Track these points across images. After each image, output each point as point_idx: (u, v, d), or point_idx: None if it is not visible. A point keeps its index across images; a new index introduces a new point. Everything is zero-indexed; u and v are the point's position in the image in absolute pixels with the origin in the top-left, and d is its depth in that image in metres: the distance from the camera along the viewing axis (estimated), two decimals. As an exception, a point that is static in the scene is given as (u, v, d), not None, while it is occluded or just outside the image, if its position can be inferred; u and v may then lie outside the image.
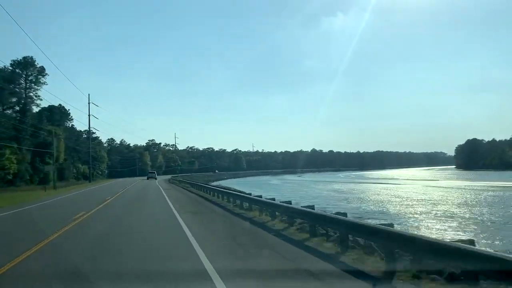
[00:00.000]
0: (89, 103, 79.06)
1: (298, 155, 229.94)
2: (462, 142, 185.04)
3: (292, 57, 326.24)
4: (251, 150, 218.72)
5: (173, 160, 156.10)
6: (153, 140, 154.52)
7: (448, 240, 8.79)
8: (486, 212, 28.95)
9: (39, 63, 67.80)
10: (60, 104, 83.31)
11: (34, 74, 67.65)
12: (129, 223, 15.66)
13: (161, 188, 42.23)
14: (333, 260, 8.74)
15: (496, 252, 7.96)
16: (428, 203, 35.66)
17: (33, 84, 67.68)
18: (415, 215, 27.48)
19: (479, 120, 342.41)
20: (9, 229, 15.42)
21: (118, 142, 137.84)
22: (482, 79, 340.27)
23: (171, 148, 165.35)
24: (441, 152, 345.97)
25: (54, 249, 10.32)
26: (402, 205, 34.90)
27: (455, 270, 6.79)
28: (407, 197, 42.62)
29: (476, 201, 37.63)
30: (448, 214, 27.58)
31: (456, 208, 31.70)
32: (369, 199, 42.25)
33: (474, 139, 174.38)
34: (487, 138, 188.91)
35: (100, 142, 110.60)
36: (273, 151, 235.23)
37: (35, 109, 72.23)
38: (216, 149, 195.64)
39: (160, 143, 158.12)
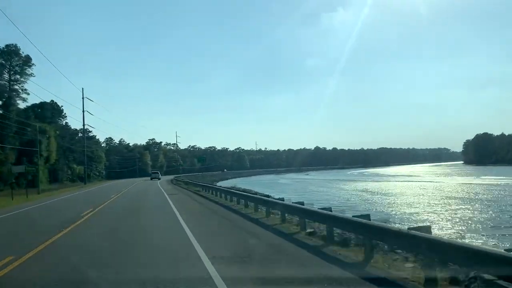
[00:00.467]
0: (83, 98, 71.70)
1: (301, 153, 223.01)
2: (465, 137, 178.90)
3: (293, 55, 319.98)
4: (253, 148, 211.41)
5: (175, 159, 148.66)
6: (153, 139, 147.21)
7: None
8: None
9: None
10: (52, 100, 75.93)
11: (19, 64, 59.91)
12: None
13: (165, 193, 32.56)
14: None
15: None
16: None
17: (18, 76, 60.00)
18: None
19: (483, 116, 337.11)
20: None
21: (117, 142, 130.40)
22: (484, 74, 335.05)
23: (172, 148, 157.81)
24: (444, 148, 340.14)
25: None
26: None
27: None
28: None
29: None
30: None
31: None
32: (430, 202, 33.86)
33: (485, 134, 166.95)
34: (492, 133, 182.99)
35: (97, 141, 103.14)
36: (275, 149, 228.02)
37: (22, 105, 64.80)
38: (218, 148, 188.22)
39: (161, 142, 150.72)
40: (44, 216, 20.35)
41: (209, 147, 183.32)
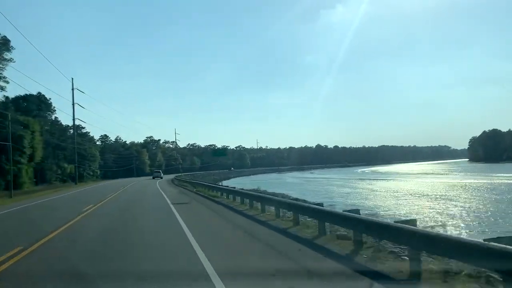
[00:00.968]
0: (72, 89, 63.70)
1: (303, 151, 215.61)
2: (466, 135, 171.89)
3: (292, 52, 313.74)
4: (254, 146, 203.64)
5: (174, 158, 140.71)
6: (151, 137, 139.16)
7: None
8: None
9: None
10: (39, 92, 67.90)
11: (-6, 47, 51.84)
12: None
13: (167, 201, 22.96)
14: None
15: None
16: None
17: (-7, 60, 51.90)
18: None
19: (483, 113, 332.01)
20: None
21: (113, 140, 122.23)
22: (484, 72, 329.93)
23: (171, 146, 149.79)
24: (445, 145, 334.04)
25: None
26: None
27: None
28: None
29: None
30: None
31: None
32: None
33: (495, 130, 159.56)
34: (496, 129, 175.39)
35: (91, 138, 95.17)
36: (276, 147, 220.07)
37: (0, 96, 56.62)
38: (218, 146, 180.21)
39: (159, 140, 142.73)
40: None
41: (209, 145, 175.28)
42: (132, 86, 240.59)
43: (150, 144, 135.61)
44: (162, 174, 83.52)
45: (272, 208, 15.20)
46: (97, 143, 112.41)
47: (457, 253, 5.76)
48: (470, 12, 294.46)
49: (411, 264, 6.70)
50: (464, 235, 15.14)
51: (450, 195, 35.89)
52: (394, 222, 8.09)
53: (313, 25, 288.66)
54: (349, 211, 10.30)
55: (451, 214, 22.98)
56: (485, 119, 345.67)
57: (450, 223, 19.10)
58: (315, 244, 9.38)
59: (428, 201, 31.00)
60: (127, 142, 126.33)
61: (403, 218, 11.05)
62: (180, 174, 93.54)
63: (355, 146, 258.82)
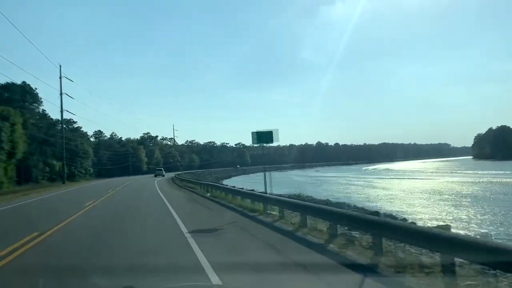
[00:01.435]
0: (60, 78, 56.16)
1: (304, 149, 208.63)
2: (466, 133, 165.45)
3: (291, 49, 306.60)
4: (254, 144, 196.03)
5: (172, 155, 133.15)
6: (148, 133, 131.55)
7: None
8: None
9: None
10: (23, 82, 60.33)
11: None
12: None
13: (176, 218, 14.17)
14: None
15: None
16: None
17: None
18: None
19: (482, 112, 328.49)
20: None
21: (108, 136, 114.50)
22: (484, 71, 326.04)
23: (169, 142, 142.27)
24: (444, 143, 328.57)
25: None
26: None
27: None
28: None
29: None
30: None
31: None
32: None
33: (503, 127, 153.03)
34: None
35: (83, 134, 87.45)
36: (276, 145, 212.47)
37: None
38: (218, 143, 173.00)
39: (156, 136, 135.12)
40: None
41: (208, 142, 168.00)
42: (129, 83, 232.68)
43: (147, 140, 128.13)
44: (164, 172, 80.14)
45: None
46: (91, 139, 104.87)
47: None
48: (469, 11, 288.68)
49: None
50: None
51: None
52: None
53: (312, 21, 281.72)
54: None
55: None
56: (484, 118, 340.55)
57: None
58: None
59: None
60: (123, 139, 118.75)
61: None
62: (180, 172, 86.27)
63: (356, 144, 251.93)
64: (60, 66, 56.37)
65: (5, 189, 46.66)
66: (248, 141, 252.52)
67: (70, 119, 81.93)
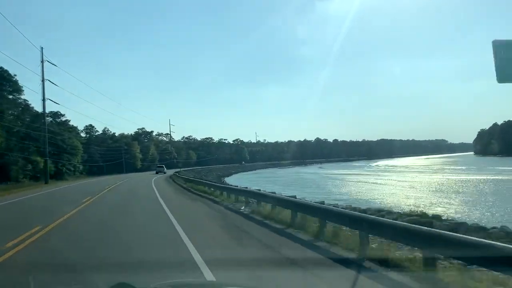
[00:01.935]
0: (42, 62, 48.27)
1: (303, 145, 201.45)
2: (463, 129, 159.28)
3: (288, 45, 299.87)
4: (252, 140, 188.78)
5: (168, 151, 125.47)
6: (143, 128, 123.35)
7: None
8: None
9: None
10: (1, 67, 52.39)
11: None
12: None
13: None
14: None
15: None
16: None
17: None
18: None
19: (478, 107, 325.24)
20: None
21: (100, 131, 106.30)
22: (479, 66, 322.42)
23: (165, 138, 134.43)
24: (442, 139, 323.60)
25: None
26: None
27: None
28: None
29: None
30: None
31: None
32: None
33: (511, 122, 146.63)
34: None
35: (72, 128, 79.40)
36: (273, 141, 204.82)
37: None
38: (215, 139, 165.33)
39: (152, 132, 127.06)
40: None
41: (206, 138, 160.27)
42: (123, 79, 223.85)
43: (142, 136, 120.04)
44: (165, 169, 78.12)
45: None
46: (82, 134, 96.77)
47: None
48: (464, 6, 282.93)
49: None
50: None
51: None
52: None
53: (310, 16, 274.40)
54: None
55: None
56: (480, 114, 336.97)
57: None
58: None
59: None
60: (116, 134, 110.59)
61: None
62: (179, 169, 78.96)
63: (354, 140, 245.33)
64: (42, 48, 48.56)
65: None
66: (246, 137, 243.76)
67: (57, 112, 74.04)
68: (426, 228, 6.41)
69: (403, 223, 7.64)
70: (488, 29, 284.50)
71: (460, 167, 76.94)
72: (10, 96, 55.65)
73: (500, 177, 46.96)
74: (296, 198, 13.17)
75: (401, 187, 40.84)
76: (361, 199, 29.83)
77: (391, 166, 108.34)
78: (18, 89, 55.85)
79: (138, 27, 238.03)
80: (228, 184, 22.41)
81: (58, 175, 65.74)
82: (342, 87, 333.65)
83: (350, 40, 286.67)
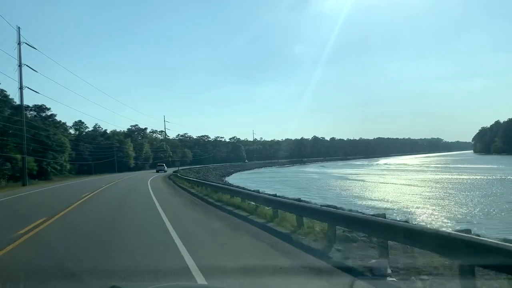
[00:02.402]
0: (19, 44, 41.14)
1: (300, 143, 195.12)
2: (457, 128, 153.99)
3: (284, 43, 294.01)
4: (248, 138, 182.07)
5: (163, 150, 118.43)
6: (136, 125, 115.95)
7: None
8: None
9: None
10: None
11: None
12: None
13: None
14: None
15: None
16: None
17: None
18: None
19: (472, 106, 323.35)
20: None
21: (90, 127, 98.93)
22: (472, 65, 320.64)
23: (159, 136, 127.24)
24: (437, 138, 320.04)
25: None
26: None
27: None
28: None
29: None
30: None
31: None
32: None
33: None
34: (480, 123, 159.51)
35: (59, 123, 72.11)
36: (270, 139, 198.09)
37: None
38: (211, 137, 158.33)
39: (145, 129, 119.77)
40: None
41: (202, 136, 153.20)
42: (117, 76, 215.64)
43: (135, 133, 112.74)
44: (166, 167, 75.91)
45: None
46: (70, 131, 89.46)
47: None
48: (460, 6, 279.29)
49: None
50: None
51: None
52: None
53: (305, 15, 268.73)
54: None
55: None
56: (475, 113, 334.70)
57: None
58: None
59: None
60: (108, 131, 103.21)
61: None
62: (176, 168, 72.17)
63: (351, 138, 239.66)
64: (19, 28, 41.42)
65: None
66: (243, 135, 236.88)
67: (42, 106, 66.62)
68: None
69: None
70: (483, 30, 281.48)
71: (484, 166, 70.91)
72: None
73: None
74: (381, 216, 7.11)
75: (445, 187, 34.48)
76: (414, 207, 23.41)
77: (400, 164, 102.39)
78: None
79: (133, 24, 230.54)
80: (260, 192, 15.52)
81: (42, 175, 58.67)
82: (338, 85, 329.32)
83: (345, 38, 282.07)
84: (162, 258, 7.17)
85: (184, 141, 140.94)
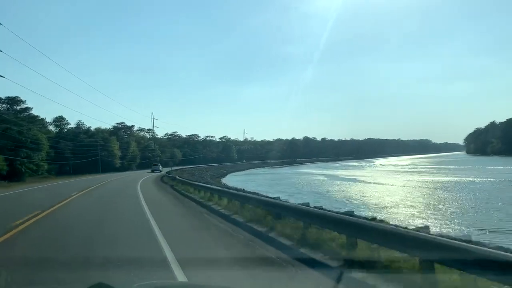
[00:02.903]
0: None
1: (292, 144, 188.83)
2: (446, 129, 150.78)
3: (273, 43, 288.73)
4: (239, 138, 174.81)
5: (151, 149, 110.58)
6: (122, 123, 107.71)
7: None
8: None
9: None
10: None
11: None
12: None
13: None
14: None
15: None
16: None
17: None
18: None
19: (458, 108, 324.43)
20: None
21: (73, 124, 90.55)
22: (458, 68, 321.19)
23: (147, 134, 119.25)
24: (426, 139, 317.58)
25: None
26: None
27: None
28: None
29: None
30: None
31: None
32: None
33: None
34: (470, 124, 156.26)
35: (35, 118, 63.99)
36: (261, 139, 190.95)
37: None
38: (201, 136, 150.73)
39: (132, 126, 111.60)
40: None
41: (192, 135, 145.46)
42: (104, 73, 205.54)
43: (121, 131, 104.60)
44: (161, 167, 73.73)
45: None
46: (50, 128, 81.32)
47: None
48: (449, 11, 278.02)
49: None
50: None
51: None
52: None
53: (294, 14, 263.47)
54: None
55: None
56: (462, 115, 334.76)
57: None
58: None
59: None
60: (92, 128, 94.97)
61: None
62: (169, 168, 64.97)
63: (342, 139, 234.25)
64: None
65: None
66: (233, 134, 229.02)
67: (15, 98, 58.54)
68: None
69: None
70: (470, 34, 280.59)
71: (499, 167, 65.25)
72: None
73: None
74: None
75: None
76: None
77: (404, 165, 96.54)
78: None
79: (122, 21, 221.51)
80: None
81: (13, 176, 50.79)
82: (328, 86, 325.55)
83: (336, 38, 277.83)
84: None
85: (173, 140, 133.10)
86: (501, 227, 16.37)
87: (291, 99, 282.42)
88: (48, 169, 66.20)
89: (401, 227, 7.78)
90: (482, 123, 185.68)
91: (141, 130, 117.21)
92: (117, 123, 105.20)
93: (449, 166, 79.50)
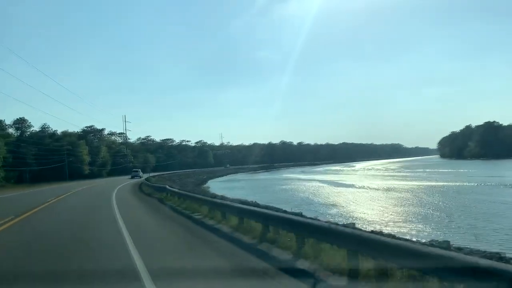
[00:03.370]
0: None
1: (269, 148, 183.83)
2: (417, 133, 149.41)
3: (249, 49, 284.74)
4: (215, 143, 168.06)
5: (122, 154, 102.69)
6: (92, 126, 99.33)
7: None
8: None
9: None
10: None
11: None
12: None
13: None
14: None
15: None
16: None
17: None
18: None
19: (430, 113, 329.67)
20: None
21: (36, 127, 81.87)
22: (431, 73, 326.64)
23: (118, 138, 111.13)
24: (397, 143, 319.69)
25: None
26: None
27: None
28: None
29: None
30: None
31: None
32: None
33: (490, 123, 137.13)
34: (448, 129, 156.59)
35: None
36: (237, 143, 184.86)
37: None
38: (176, 141, 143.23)
39: (103, 130, 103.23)
40: None
41: (166, 139, 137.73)
42: (73, 75, 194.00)
43: (90, 135, 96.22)
44: (141, 173, 69.93)
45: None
46: (10, 130, 72.71)
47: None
48: (424, 10, 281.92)
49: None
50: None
51: None
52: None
53: (270, 21, 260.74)
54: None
55: None
56: (433, 119, 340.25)
57: None
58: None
59: None
60: (59, 132, 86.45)
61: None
62: (147, 174, 58.19)
63: (318, 143, 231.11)
64: None
65: None
66: (209, 139, 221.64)
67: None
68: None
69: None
70: (443, 40, 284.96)
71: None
72: None
73: None
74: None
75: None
76: None
77: (383, 169, 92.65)
78: None
79: (96, 22, 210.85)
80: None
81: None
82: (304, 91, 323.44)
83: (309, 44, 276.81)
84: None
85: (146, 145, 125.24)
86: None
87: (268, 103, 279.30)
88: (6, 176, 58.16)
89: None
90: (453, 128, 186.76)
91: (112, 134, 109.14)
92: (86, 127, 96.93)
93: (443, 169, 75.93)
